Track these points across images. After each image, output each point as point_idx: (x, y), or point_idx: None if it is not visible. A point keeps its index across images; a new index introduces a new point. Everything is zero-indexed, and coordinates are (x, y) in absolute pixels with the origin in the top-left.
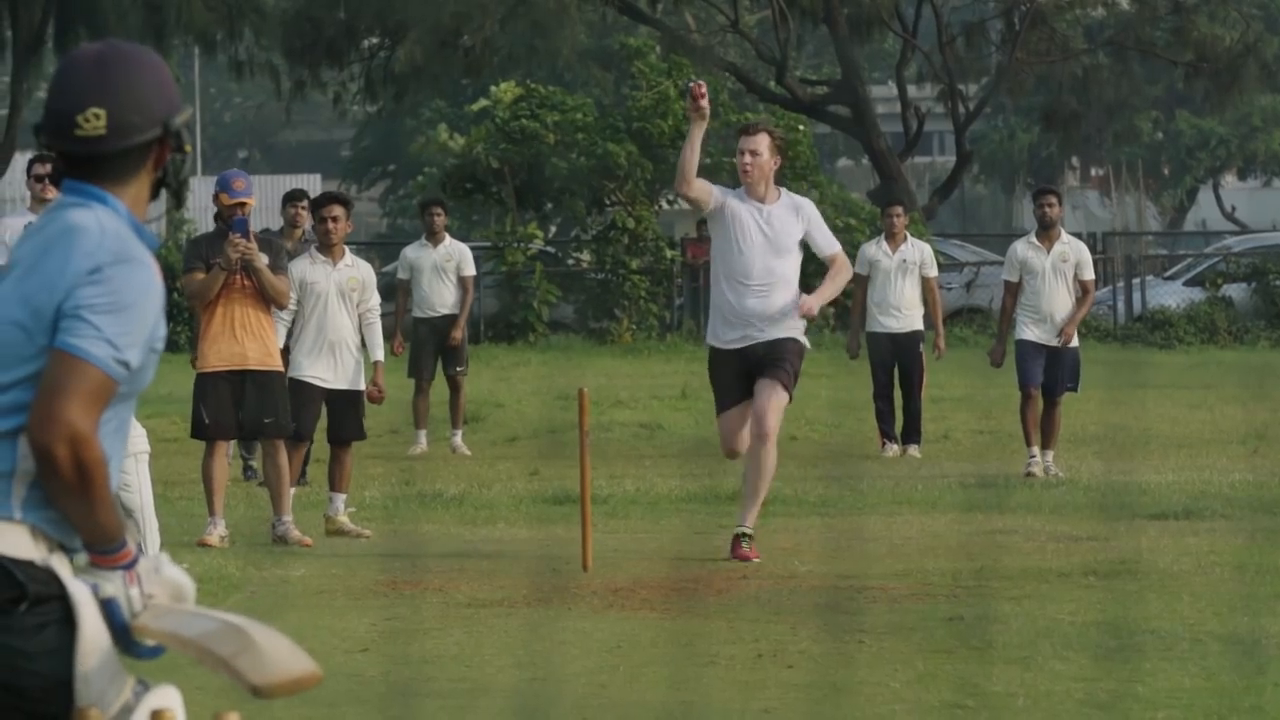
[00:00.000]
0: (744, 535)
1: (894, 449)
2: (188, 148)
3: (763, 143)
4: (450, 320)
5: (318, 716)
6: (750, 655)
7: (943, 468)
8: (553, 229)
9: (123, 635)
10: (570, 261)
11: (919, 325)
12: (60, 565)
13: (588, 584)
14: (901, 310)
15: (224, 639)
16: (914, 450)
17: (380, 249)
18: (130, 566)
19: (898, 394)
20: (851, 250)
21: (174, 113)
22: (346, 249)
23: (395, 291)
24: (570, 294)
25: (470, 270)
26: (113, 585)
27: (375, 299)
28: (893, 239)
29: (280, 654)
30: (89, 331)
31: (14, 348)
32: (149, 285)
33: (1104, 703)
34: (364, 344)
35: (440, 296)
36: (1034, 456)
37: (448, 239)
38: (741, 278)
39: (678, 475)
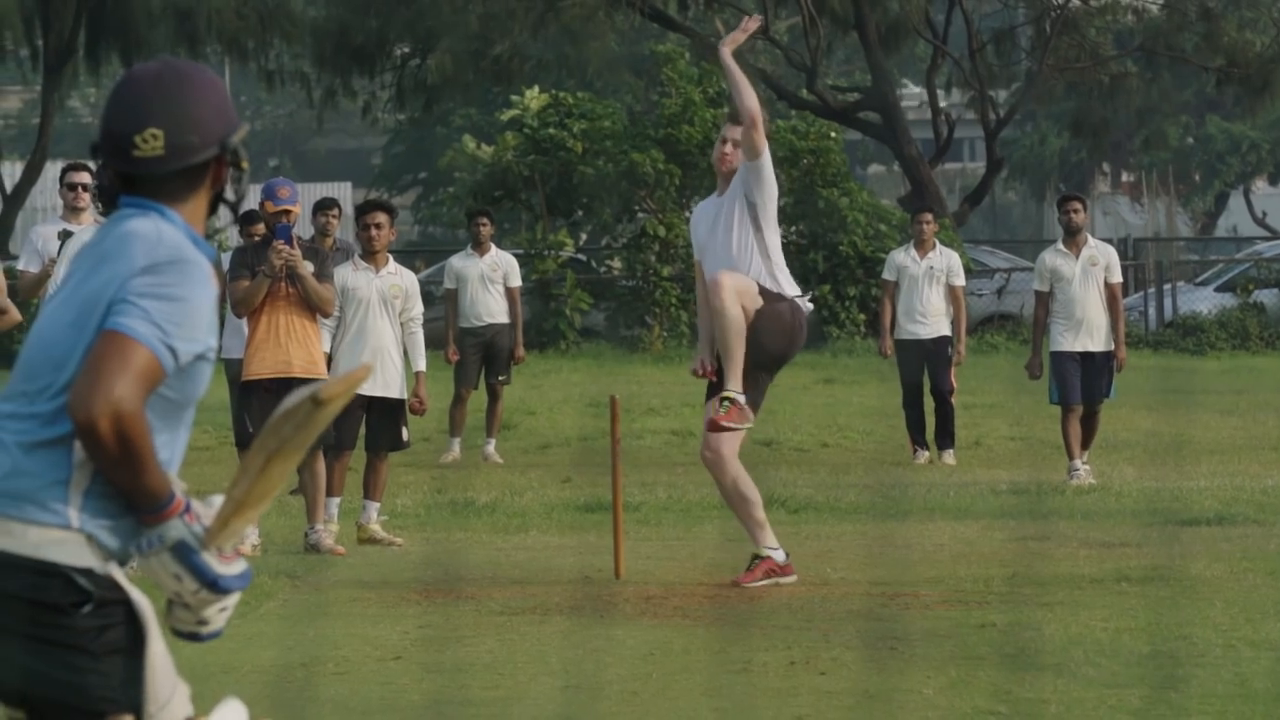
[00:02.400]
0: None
1: (925, 456)
2: (245, 164)
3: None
4: (494, 329)
5: None
6: (783, 662)
7: (975, 474)
8: (583, 237)
9: (204, 572)
10: (601, 269)
11: (947, 331)
12: (118, 573)
13: (620, 592)
14: (929, 317)
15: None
16: (949, 457)
17: (410, 257)
18: (187, 511)
19: (928, 401)
20: (884, 258)
21: (232, 131)
22: (390, 256)
23: (443, 300)
24: (601, 301)
25: (517, 281)
26: (176, 530)
27: (418, 308)
28: (921, 246)
29: None
30: (137, 313)
31: (65, 349)
32: (203, 285)
33: (1137, 709)
34: (406, 353)
35: (486, 306)
36: (1077, 469)
37: (494, 249)
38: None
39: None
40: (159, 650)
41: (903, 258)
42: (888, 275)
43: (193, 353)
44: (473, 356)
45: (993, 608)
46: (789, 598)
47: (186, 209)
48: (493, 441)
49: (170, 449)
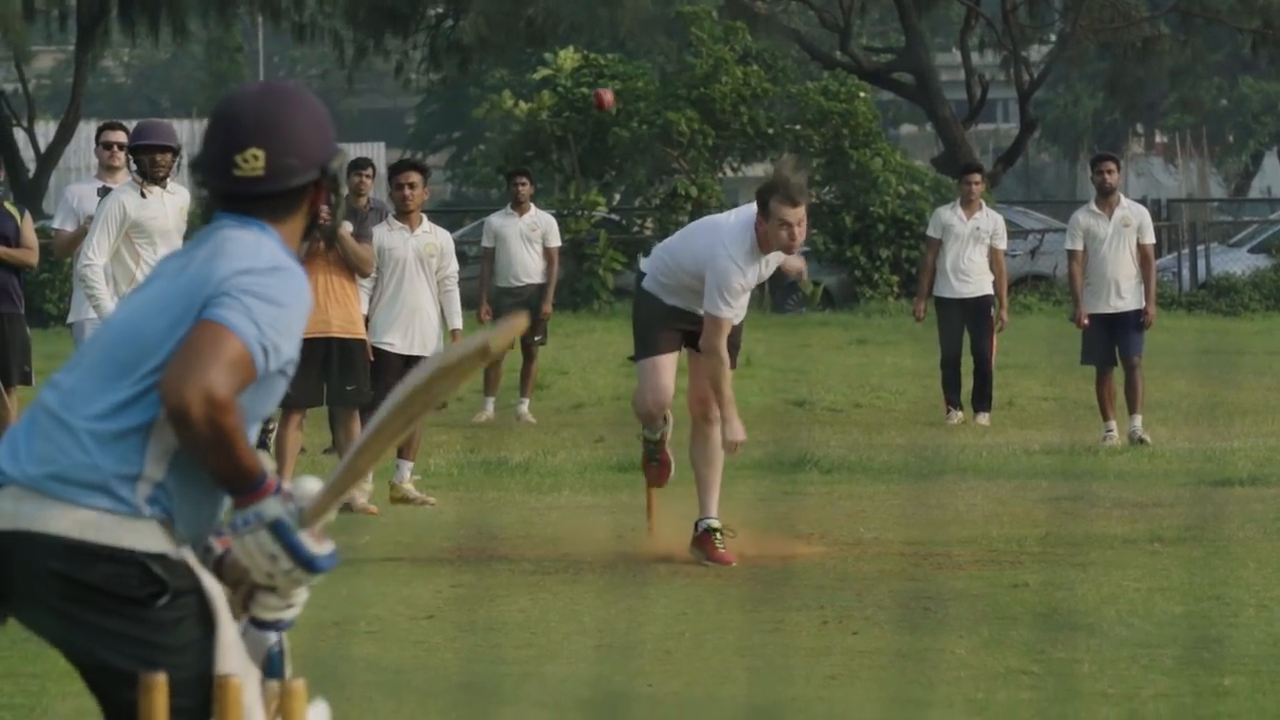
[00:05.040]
0: (716, 530)
1: (958, 416)
2: (343, 191)
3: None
4: (532, 289)
5: (384, 682)
6: (815, 622)
7: (1008, 435)
8: (616, 197)
9: (300, 551)
10: (634, 229)
11: (989, 290)
12: (191, 558)
13: (653, 551)
14: (972, 276)
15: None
16: (983, 419)
17: (444, 216)
18: (278, 492)
19: (966, 361)
20: (916, 219)
21: (331, 156)
22: (424, 216)
23: (476, 259)
24: (635, 262)
25: (555, 241)
26: (274, 509)
27: (453, 266)
28: (968, 206)
29: None
30: (237, 308)
31: (153, 338)
32: (301, 296)
33: (1170, 669)
34: (442, 313)
35: (524, 266)
36: (1111, 430)
37: (533, 209)
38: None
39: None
40: (231, 639)
41: (949, 216)
42: (932, 233)
43: (280, 361)
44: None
45: (1026, 568)
46: (822, 557)
47: (283, 230)
48: (526, 401)
49: (217, 490)
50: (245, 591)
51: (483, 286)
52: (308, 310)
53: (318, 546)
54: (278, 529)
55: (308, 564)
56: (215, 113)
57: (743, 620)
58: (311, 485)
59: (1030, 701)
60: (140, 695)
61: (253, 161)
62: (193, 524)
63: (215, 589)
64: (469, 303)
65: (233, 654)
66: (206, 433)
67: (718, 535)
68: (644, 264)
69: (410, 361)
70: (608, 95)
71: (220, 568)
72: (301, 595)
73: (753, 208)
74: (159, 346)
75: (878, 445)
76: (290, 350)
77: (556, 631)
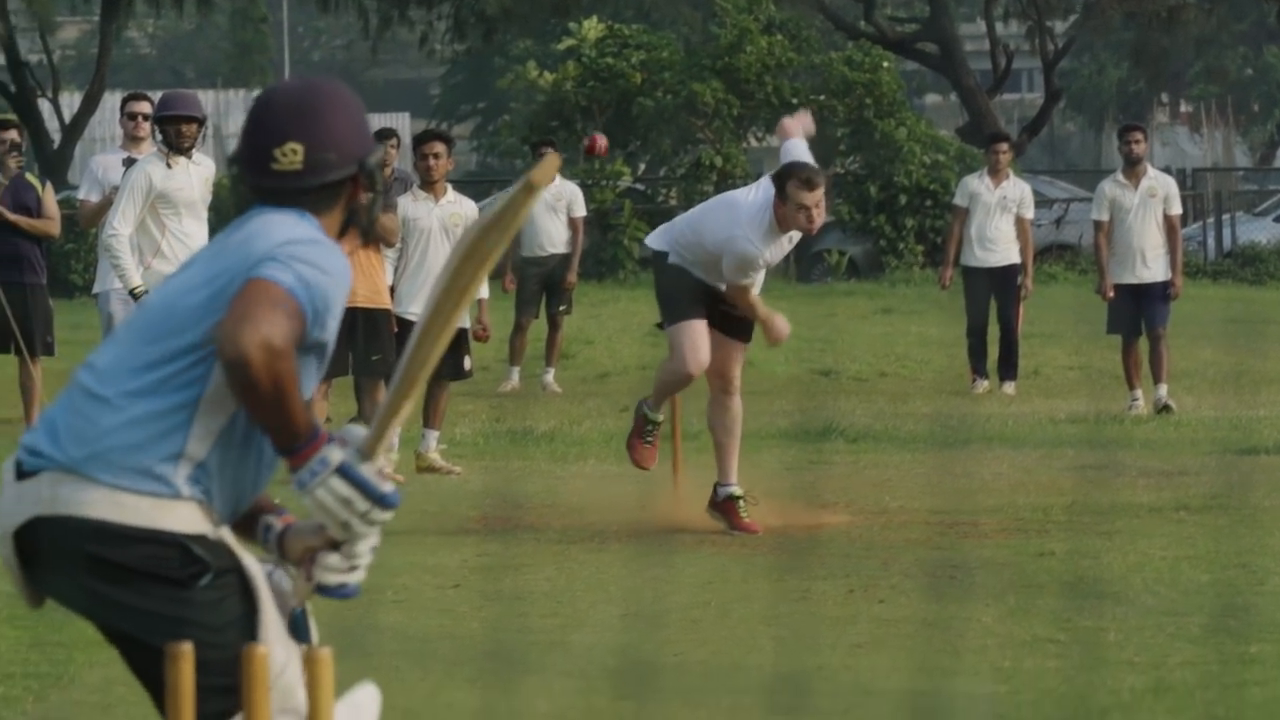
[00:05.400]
0: (739, 498)
1: (984, 385)
2: (379, 188)
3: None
4: (558, 259)
5: (410, 651)
6: (841, 590)
7: (1033, 404)
8: (641, 167)
9: (372, 487)
10: (659, 199)
11: (1016, 259)
12: (230, 537)
13: (679, 520)
14: (999, 245)
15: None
16: (1009, 388)
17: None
18: (333, 439)
19: (992, 330)
20: (941, 188)
21: (369, 153)
22: (449, 186)
23: None
24: None
25: (581, 211)
26: (335, 453)
27: None
28: (996, 174)
29: None
30: (285, 268)
31: (196, 312)
32: (344, 270)
33: (1196, 637)
34: None
35: (549, 236)
36: (1137, 399)
37: (558, 179)
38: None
39: (768, 411)
40: (272, 617)
41: (976, 184)
42: (959, 201)
43: (322, 331)
44: (534, 286)
45: (1052, 536)
46: (848, 526)
47: (322, 223)
48: (552, 371)
49: (256, 468)
50: (308, 563)
51: (507, 256)
52: (348, 289)
53: (383, 484)
54: (346, 471)
55: (381, 500)
56: (254, 108)
57: (769, 589)
58: (358, 431)
59: (1057, 670)
60: (167, 665)
61: (291, 156)
62: (230, 503)
63: (255, 568)
64: (493, 272)
65: (274, 631)
66: (266, 382)
67: (740, 503)
68: (656, 240)
69: None
70: (601, 141)
71: (282, 544)
72: (366, 556)
73: (770, 186)
74: (199, 322)
75: (903, 414)
76: (332, 326)
77: (582, 600)
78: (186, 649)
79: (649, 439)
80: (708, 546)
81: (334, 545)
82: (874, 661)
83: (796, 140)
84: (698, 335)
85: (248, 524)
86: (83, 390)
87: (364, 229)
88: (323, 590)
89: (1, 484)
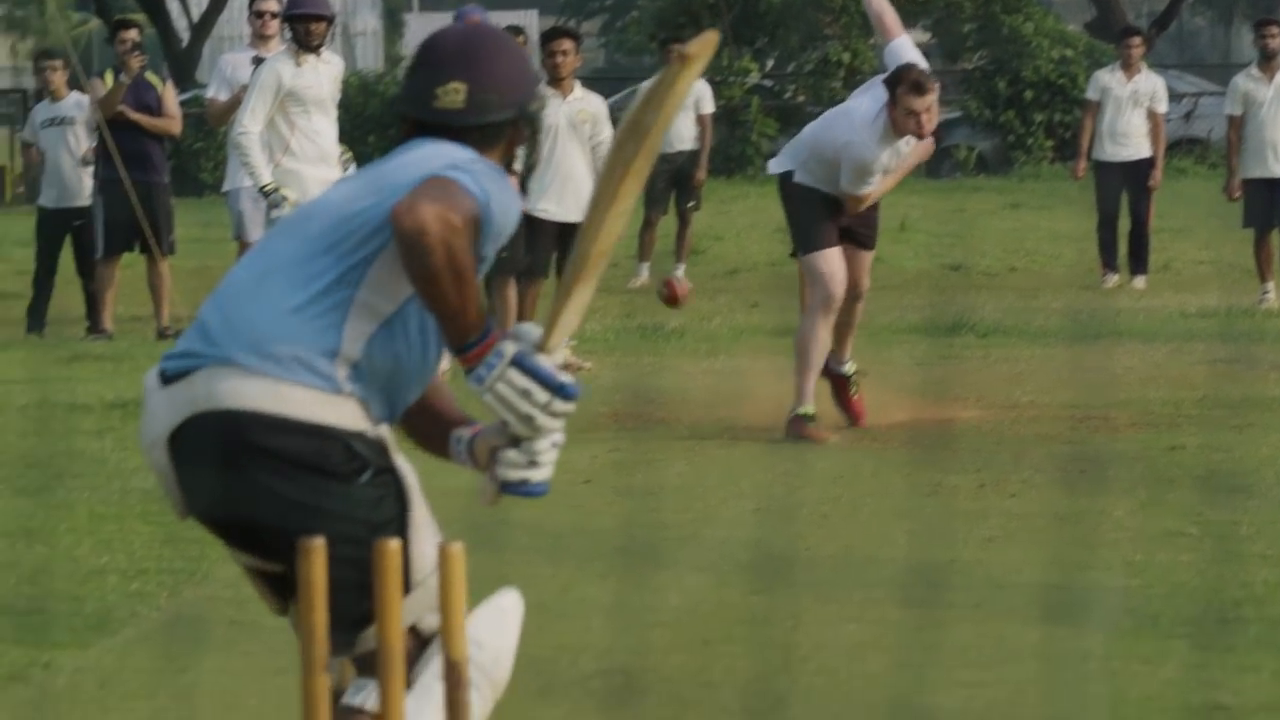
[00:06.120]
0: (809, 416)
1: (1114, 279)
2: (538, 135)
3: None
4: (685, 156)
5: (542, 546)
6: (973, 485)
7: (1164, 298)
8: (769, 63)
9: (550, 377)
10: (786, 95)
11: (1147, 153)
12: (388, 437)
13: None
14: (1130, 139)
15: None
16: (1140, 281)
17: (601, 83)
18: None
19: (1122, 224)
20: (1069, 83)
21: (530, 99)
22: (577, 82)
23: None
24: (787, 128)
25: (709, 108)
26: (509, 346)
27: (607, 132)
28: (1128, 69)
29: None
30: (465, 173)
31: (350, 221)
32: (513, 199)
33: None
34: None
35: (677, 132)
36: (1268, 292)
37: None
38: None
39: (897, 307)
40: (424, 518)
41: (1108, 79)
42: (1091, 95)
43: (486, 246)
44: (663, 182)
45: (1183, 430)
46: (979, 421)
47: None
48: (681, 267)
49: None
50: (492, 463)
51: None
52: (515, 219)
53: (563, 374)
54: (522, 362)
55: (560, 389)
56: (420, 48)
57: (900, 483)
58: (530, 328)
59: (1188, 563)
60: (299, 560)
61: (453, 94)
62: (384, 406)
63: (408, 469)
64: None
65: (426, 532)
66: (443, 257)
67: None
68: (778, 163)
69: (564, 228)
70: (680, 289)
71: (472, 452)
72: (549, 452)
73: (884, 89)
74: (363, 225)
75: (1034, 309)
76: (494, 248)
77: (714, 495)
78: (320, 544)
79: (814, 426)
80: (838, 441)
81: (516, 443)
82: (1005, 555)
83: (901, 39)
84: (835, 261)
85: (440, 439)
86: (237, 290)
87: (521, 177)
88: (508, 489)
89: (146, 395)
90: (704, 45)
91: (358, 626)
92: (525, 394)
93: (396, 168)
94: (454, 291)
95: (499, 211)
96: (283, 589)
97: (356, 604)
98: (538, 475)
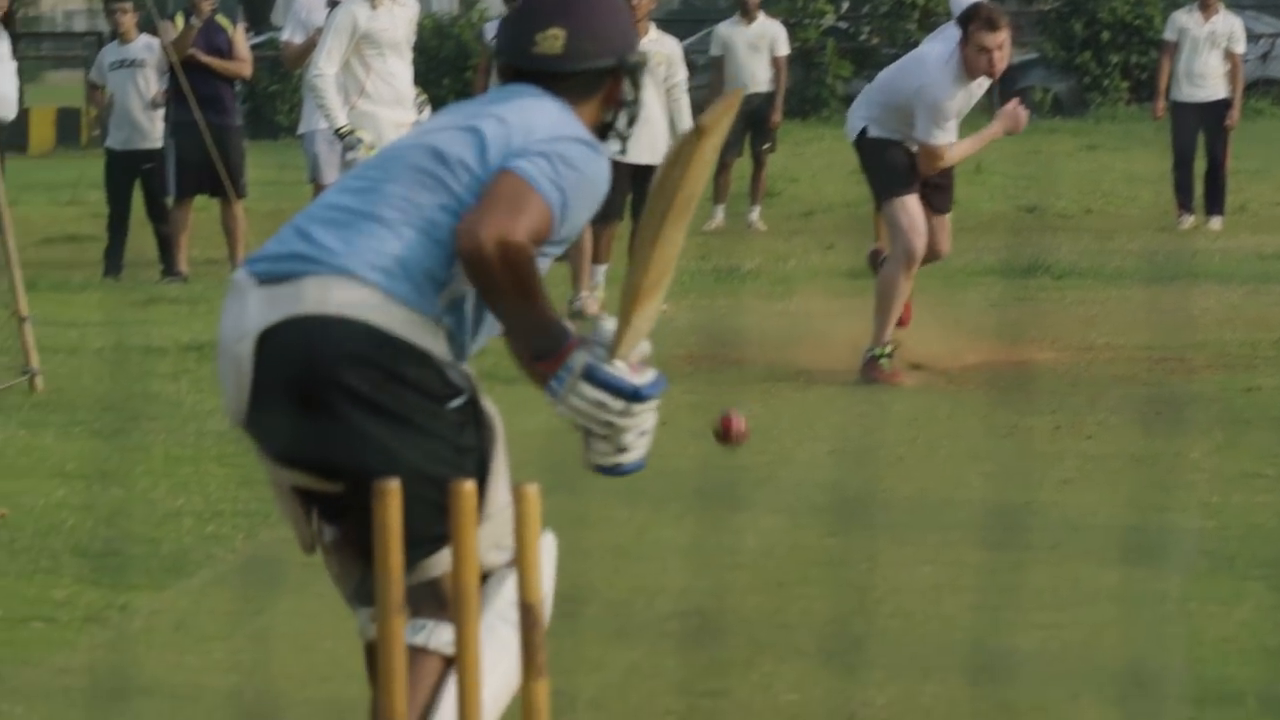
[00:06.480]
0: (883, 355)
1: (1190, 220)
2: (640, 90)
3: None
4: (760, 98)
5: (618, 487)
6: (1049, 426)
7: (1240, 239)
8: (844, 5)
9: (622, 386)
10: (861, 37)
11: (1225, 94)
12: (472, 373)
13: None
14: (1207, 80)
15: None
16: (1216, 223)
17: (676, 25)
18: (582, 342)
19: (1199, 165)
20: (1145, 24)
21: (630, 51)
22: (652, 25)
23: (705, 68)
24: (862, 70)
25: (784, 50)
26: (578, 359)
27: (681, 74)
28: (1205, 9)
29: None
30: (542, 165)
31: (454, 163)
32: (603, 176)
33: None
34: (672, 121)
35: (753, 74)
36: None
37: (761, 16)
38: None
39: (973, 249)
40: (502, 458)
41: (1185, 19)
42: (1169, 35)
43: (566, 231)
44: (738, 124)
45: (1260, 371)
46: (1055, 363)
47: (580, 113)
48: (757, 208)
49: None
50: (584, 446)
51: (712, 95)
52: (604, 194)
53: (638, 377)
54: (591, 374)
55: (634, 395)
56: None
57: (976, 426)
58: (608, 328)
59: (1265, 505)
60: (375, 502)
61: (552, 40)
62: (460, 348)
63: (493, 410)
64: (698, 111)
65: (503, 471)
66: (502, 277)
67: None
68: (852, 120)
69: (639, 170)
70: (737, 425)
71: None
72: (636, 438)
73: (956, 31)
74: (466, 171)
75: (1110, 250)
76: (576, 227)
77: (789, 437)
78: (395, 486)
79: (888, 369)
80: (914, 383)
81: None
82: (1082, 497)
83: None
84: (914, 210)
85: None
86: (343, 209)
87: (621, 135)
88: (600, 471)
89: (235, 290)
90: (720, 116)
91: (427, 548)
92: (599, 405)
93: (492, 111)
94: (520, 309)
95: (577, 199)
96: (329, 513)
97: (430, 524)
98: (629, 458)
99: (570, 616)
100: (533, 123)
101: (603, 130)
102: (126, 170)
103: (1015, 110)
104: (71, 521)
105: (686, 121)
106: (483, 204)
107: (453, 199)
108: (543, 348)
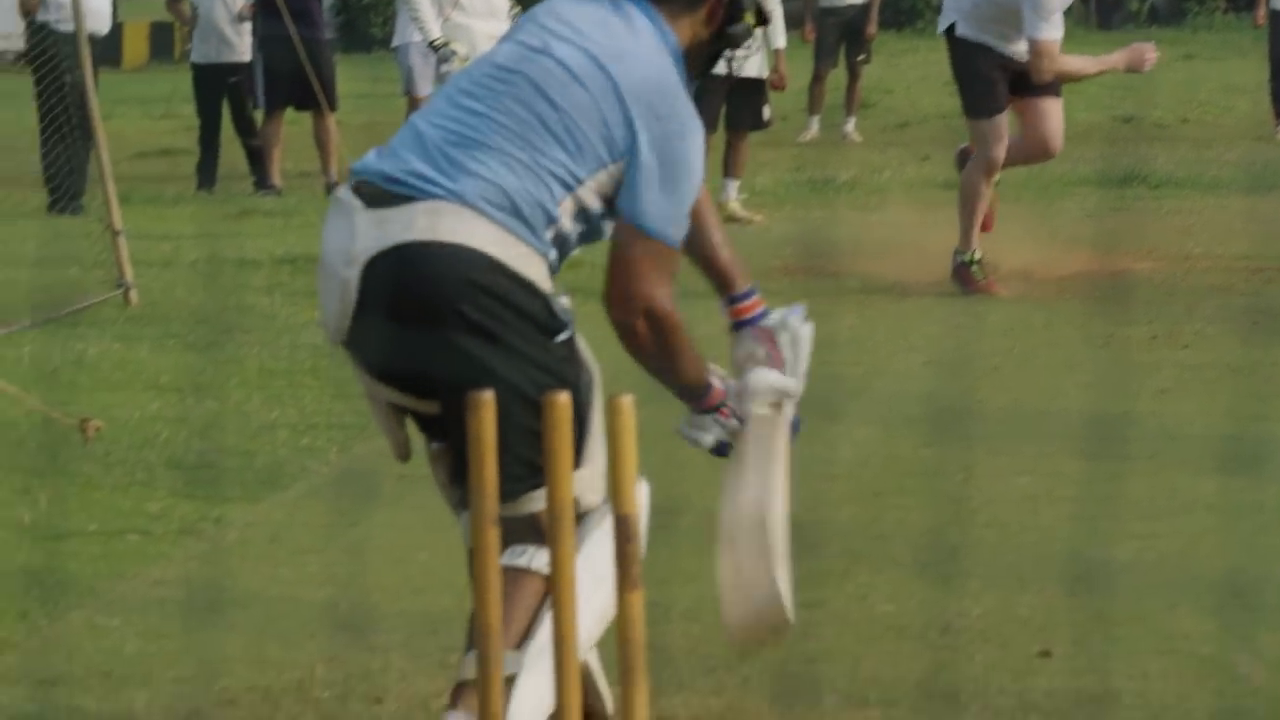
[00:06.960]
0: (973, 262)
1: None
2: (749, 19)
3: None
4: (855, 9)
5: None
6: (1145, 336)
7: None
8: None
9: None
10: None
11: None
12: (570, 303)
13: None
14: None
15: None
16: None
17: None
18: (720, 406)
19: None
20: None
21: None
22: None
23: None
24: None
25: None
26: (710, 435)
27: None
28: None
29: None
30: (658, 205)
31: (569, 109)
32: (701, 159)
33: None
34: (764, 32)
35: None
36: None
37: None
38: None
39: (1070, 158)
40: (599, 405)
41: None
42: None
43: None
44: (833, 35)
45: None
46: (1150, 273)
47: (677, 29)
48: (852, 119)
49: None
50: (685, 423)
51: (807, 6)
52: (701, 165)
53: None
54: (720, 451)
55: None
56: None
57: (1071, 335)
58: (762, 379)
59: None
60: (470, 414)
61: None
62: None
63: (591, 359)
64: (793, 21)
65: (599, 411)
66: (652, 345)
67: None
68: (944, 17)
69: (734, 84)
70: None
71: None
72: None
73: None
74: (579, 122)
75: (1207, 160)
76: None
77: (884, 349)
78: (489, 398)
79: (980, 277)
80: (1008, 293)
81: None
82: (1179, 407)
83: None
84: (1001, 127)
85: None
86: (454, 134)
87: (729, 60)
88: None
89: (341, 209)
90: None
91: (528, 481)
92: (726, 430)
93: (595, 44)
94: (668, 369)
95: (684, 212)
96: (429, 428)
97: (532, 450)
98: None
99: (665, 528)
100: (637, 68)
101: (707, 61)
102: (213, 84)
103: (1144, 48)
104: (166, 434)
105: (780, 34)
106: (619, 272)
107: (565, 153)
108: (687, 399)
